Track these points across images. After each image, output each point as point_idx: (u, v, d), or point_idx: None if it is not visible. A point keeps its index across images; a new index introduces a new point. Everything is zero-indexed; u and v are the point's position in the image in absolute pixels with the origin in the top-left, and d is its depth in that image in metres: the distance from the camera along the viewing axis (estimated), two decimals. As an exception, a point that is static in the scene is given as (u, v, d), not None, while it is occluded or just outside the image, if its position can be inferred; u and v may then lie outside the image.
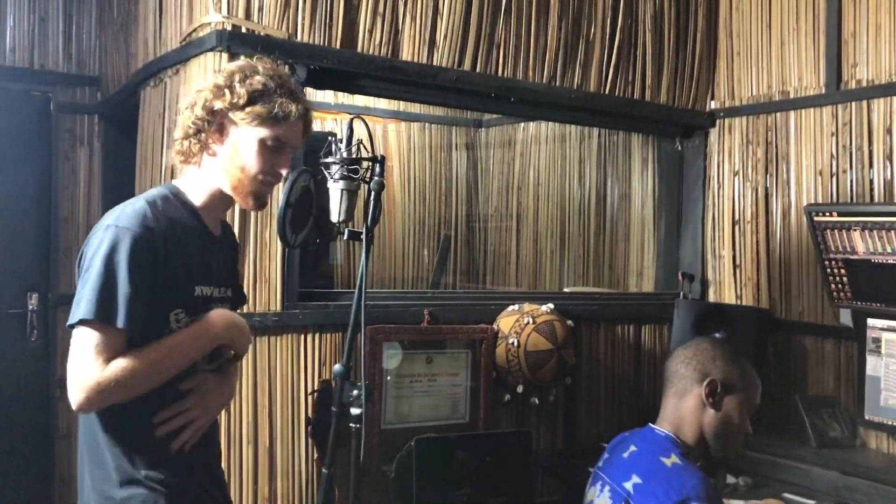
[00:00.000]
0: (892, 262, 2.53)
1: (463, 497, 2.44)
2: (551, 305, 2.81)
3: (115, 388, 1.36)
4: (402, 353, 2.56)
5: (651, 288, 3.51)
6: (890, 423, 2.57)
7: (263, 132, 1.52)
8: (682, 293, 3.22)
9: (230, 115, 1.52)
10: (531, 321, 2.69)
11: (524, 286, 4.15)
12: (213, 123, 1.53)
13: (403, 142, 4.25)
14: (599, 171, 3.92)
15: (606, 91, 3.04)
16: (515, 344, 2.66)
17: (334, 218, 1.66)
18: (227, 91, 1.52)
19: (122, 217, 1.44)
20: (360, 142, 1.66)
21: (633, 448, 1.80)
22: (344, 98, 3.97)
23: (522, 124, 4.25)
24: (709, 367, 1.76)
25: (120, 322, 1.37)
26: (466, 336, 2.67)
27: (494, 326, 2.73)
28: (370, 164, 1.64)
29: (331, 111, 4.02)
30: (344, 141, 1.67)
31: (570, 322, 2.81)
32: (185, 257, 1.50)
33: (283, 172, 1.56)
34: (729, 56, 3.28)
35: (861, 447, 2.75)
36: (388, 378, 2.54)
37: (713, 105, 3.31)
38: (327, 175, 1.66)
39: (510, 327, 2.69)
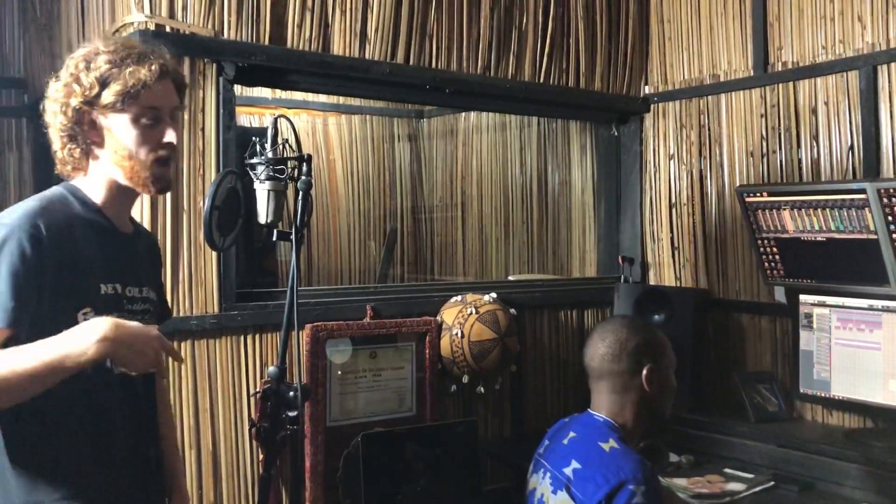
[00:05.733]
0: (820, 239, 2.60)
1: (413, 489, 2.46)
2: (494, 295, 2.82)
3: None
4: (351, 348, 2.55)
5: (593, 273, 3.55)
6: (823, 395, 2.66)
7: (131, 111, 1.45)
8: (622, 277, 3.28)
9: (92, 108, 1.44)
10: (474, 311, 2.70)
11: (471, 276, 4.17)
12: (83, 123, 1.46)
13: (345, 135, 4.22)
14: (540, 158, 3.95)
15: (541, 80, 3.05)
16: (459, 335, 2.67)
17: (262, 219, 1.64)
18: (75, 86, 1.44)
19: (9, 216, 1.38)
20: (285, 141, 1.64)
21: (572, 434, 1.83)
22: (281, 93, 3.93)
23: (463, 114, 4.25)
24: (639, 357, 1.79)
25: None
26: (410, 329, 2.67)
27: (438, 318, 2.73)
28: (296, 163, 1.63)
29: (268, 106, 3.98)
30: (269, 140, 1.65)
31: (513, 310, 2.84)
32: (85, 254, 1.44)
33: (172, 139, 1.48)
34: (661, 41, 3.32)
35: (798, 420, 2.83)
36: (337, 374, 2.52)
37: (647, 90, 3.36)
38: (253, 176, 1.65)
39: (454, 318, 2.70)
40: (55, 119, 1.47)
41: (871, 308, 2.53)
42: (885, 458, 2.36)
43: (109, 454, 1.46)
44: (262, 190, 1.64)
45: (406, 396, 2.67)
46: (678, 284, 3.23)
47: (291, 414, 1.65)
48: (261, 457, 2.36)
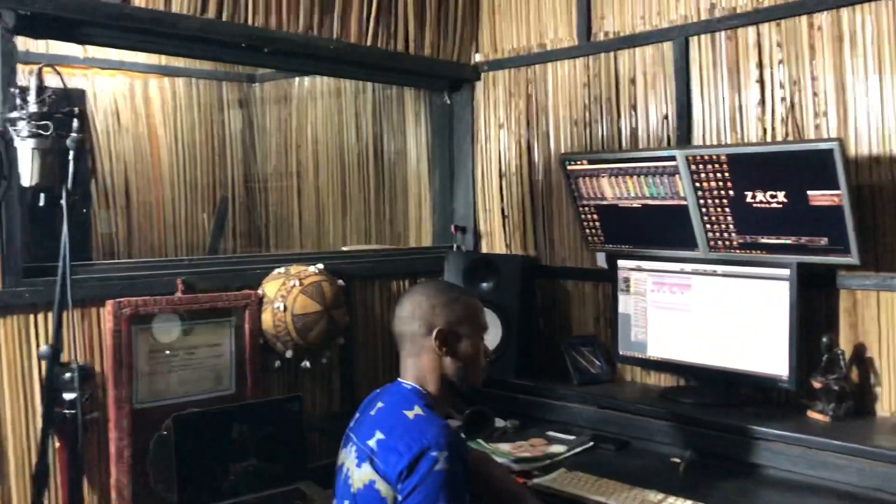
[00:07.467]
0: (636, 205, 2.68)
1: (233, 470, 2.34)
2: (320, 266, 2.73)
3: None
4: (180, 325, 2.39)
5: (429, 242, 3.52)
6: (640, 356, 2.75)
7: None
8: (455, 245, 3.26)
9: None
10: (297, 283, 2.59)
11: (308, 248, 4.04)
12: None
13: (168, 99, 3.94)
14: (376, 126, 3.86)
15: (368, 43, 2.95)
16: (282, 308, 2.55)
17: (25, 181, 1.46)
18: None
19: None
20: (51, 92, 1.46)
21: (379, 405, 1.78)
22: (96, 52, 3.61)
23: (297, 79, 4.08)
24: (431, 318, 1.76)
25: None
26: (227, 304, 2.52)
27: (259, 292, 2.61)
28: (66, 118, 1.46)
29: (80, 66, 3.64)
30: (32, 93, 1.46)
31: (340, 281, 2.75)
32: None
33: None
34: (491, 9, 3.30)
35: (618, 381, 2.93)
36: (144, 353, 2.35)
37: (478, 58, 3.34)
38: (13, 133, 1.46)
39: (276, 291, 2.58)
40: None
41: (682, 272, 2.64)
42: (693, 413, 2.47)
43: None
44: (24, 148, 1.46)
45: (224, 374, 2.53)
46: (508, 252, 3.25)
47: (69, 397, 1.49)
48: (57, 445, 2.17)
